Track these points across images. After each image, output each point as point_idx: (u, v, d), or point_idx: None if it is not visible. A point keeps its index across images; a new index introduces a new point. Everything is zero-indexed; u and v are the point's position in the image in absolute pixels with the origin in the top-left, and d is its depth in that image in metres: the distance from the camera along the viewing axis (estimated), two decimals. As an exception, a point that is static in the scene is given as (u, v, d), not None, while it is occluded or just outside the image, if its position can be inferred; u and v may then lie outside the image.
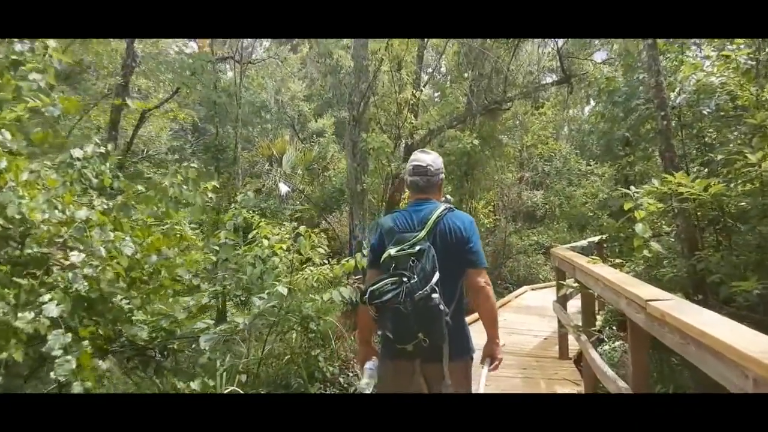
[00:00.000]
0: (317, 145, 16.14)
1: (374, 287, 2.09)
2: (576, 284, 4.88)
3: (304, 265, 5.22)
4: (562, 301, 5.78)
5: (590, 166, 15.02)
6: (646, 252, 3.97)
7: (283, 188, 14.33)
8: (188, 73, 9.65)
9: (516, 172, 13.70)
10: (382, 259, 2.23)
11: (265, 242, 4.80)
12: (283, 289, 3.07)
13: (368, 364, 2.43)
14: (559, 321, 5.87)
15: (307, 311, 5.50)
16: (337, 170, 14.97)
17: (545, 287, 11.36)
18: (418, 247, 2.16)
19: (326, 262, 5.13)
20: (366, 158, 8.50)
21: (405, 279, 2.07)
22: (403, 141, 8.53)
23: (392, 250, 2.18)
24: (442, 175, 2.48)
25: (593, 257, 4.12)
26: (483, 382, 2.38)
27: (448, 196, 2.61)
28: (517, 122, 10.51)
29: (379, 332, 2.34)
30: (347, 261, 5.00)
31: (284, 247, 4.83)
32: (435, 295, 2.07)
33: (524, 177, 14.54)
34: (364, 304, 2.13)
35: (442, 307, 2.08)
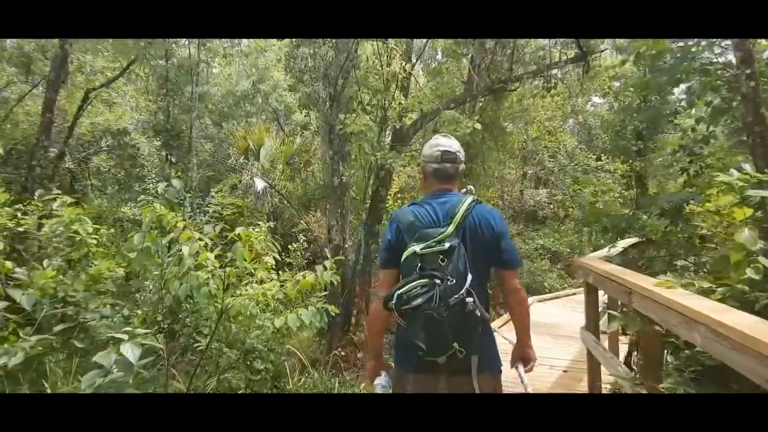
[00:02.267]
0: (299, 137, 14.68)
1: (402, 290, 1.84)
2: (619, 314, 3.50)
3: (245, 282, 3.79)
4: (594, 328, 4.37)
5: (601, 161, 13.71)
6: (749, 271, 2.57)
7: (260, 184, 12.84)
8: (142, 43, 8.16)
9: (519, 167, 12.28)
10: (404, 257, 1.96)
11: (185, 250, 3.36)
12: (132, 351, 1.62)
13: (379, 380, 2.20)
14: (589, 354, 4.45)
15: (251, 344, 4.07)
16: (321, 165, 13.51)
17: (554, 298, 9.96)
18: (447, 244, 1.91)
19: (274, 276, 3.70)
20: (345, 145, 7.07)
21: (437, 281, 1.83)
22: (390, 124, 7.10)
23: (417, 247, 1.93)
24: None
25: (666, 279, 2.70)
26: (526, 382, 2.22)
27: (471, 187, 2.27)
28: (524, 107, 9.07)
29: (390, 344, 2.30)
30: (304, 276, 3.57)
31: (210, 257, 3.39)
32: (470, 299, 1.85)
33: (527, 173, 13.11)
34: (389, 310, 1.88)
35: (478, 312, 1.88)
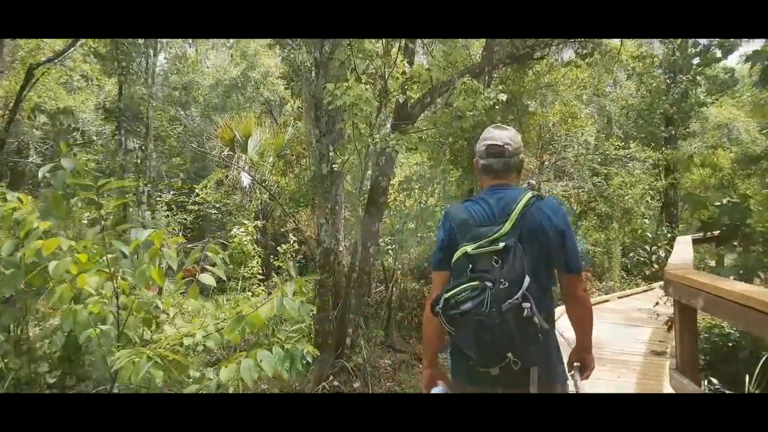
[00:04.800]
0: (291, 127, 13.35)
1: (449, 294, 1.71)
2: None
3: (166, 318, 2.44)
4: (693, 370, 3.00)
5: (630, 148, 12.31)
6: None
7: (246, 179, 11.52)
8: None
9: (537, 155, 10.90)
10: (455, 258, 1.82)
11: (51, 267, 2.01)
12: None
13: (436, 390, 2.00)
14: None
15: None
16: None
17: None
18: (502, 244, 1.74)
19: (208, 305, 2.34)
20: (336, 124, 5.70)
21: (489, 284, 1.68)
22: (392, 98, 5.73)
23: (469, 247, 1.78)
24: (522, 155, 2.07)
25: None
26: (581, 391, 1.93)
27: (532, 181, 2.17)
28: (548, 83, 7.69)
29: (444, 352, 2.11)
30: (256, 310, 2.21)
31: (91, 281, 2.03)
32: (527, 305, 1.66)
33: (544, 163, 11.72)
34: (436, 315, 1.76)
35: (536, 320, 1.66)
